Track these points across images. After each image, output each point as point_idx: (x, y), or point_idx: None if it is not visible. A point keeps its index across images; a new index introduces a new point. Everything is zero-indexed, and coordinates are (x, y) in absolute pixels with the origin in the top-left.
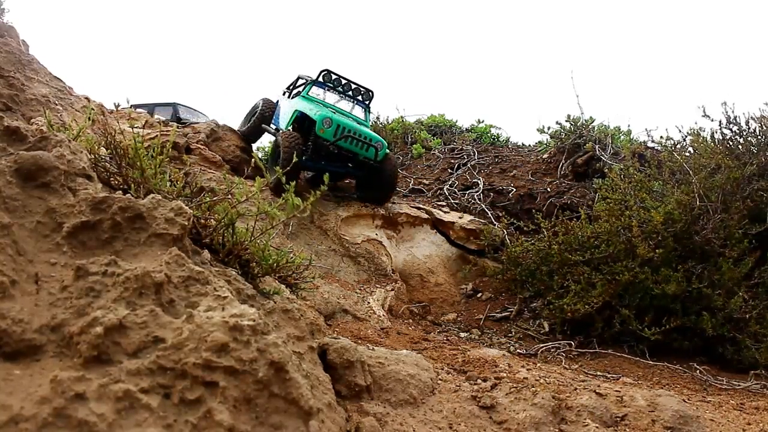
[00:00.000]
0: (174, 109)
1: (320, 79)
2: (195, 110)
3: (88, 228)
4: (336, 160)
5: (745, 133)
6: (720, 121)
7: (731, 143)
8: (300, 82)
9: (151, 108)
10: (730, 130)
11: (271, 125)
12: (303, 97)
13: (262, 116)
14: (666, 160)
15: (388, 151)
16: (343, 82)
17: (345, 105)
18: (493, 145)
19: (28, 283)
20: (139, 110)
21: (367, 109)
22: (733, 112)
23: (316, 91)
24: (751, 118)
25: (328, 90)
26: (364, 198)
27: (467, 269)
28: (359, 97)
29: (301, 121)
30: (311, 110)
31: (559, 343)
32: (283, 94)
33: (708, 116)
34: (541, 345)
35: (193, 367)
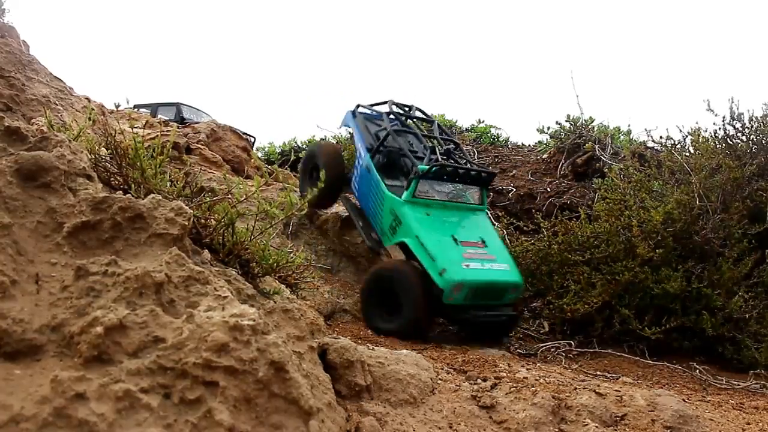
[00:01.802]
0: (177, 109)
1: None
2: (198, 110)
3: (88, 228)
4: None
5: (747, 131)
6: (723, 117)
7: (733, 141)
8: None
9: (154, 108)
10: (733, 126)
11: (353, 187)
12: (412, 206)
13: (333, 172)
14: (666, 160)
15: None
16: (461, 171)
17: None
18: (493, 145)
19: (29, 283)
20: (142, 110)
21: (484, 191)
22: (737, 107)
23: (423, 187)
24: (754, 117)
25: (438, 182)
26: (483, 341)
27: None
28: (474, 182)
29: (407, 250)
30: (425, 255)
31: (559, 343)
32: (353, 117)
33: (712, 110)
34: (542, 345)
35: (194, 367)
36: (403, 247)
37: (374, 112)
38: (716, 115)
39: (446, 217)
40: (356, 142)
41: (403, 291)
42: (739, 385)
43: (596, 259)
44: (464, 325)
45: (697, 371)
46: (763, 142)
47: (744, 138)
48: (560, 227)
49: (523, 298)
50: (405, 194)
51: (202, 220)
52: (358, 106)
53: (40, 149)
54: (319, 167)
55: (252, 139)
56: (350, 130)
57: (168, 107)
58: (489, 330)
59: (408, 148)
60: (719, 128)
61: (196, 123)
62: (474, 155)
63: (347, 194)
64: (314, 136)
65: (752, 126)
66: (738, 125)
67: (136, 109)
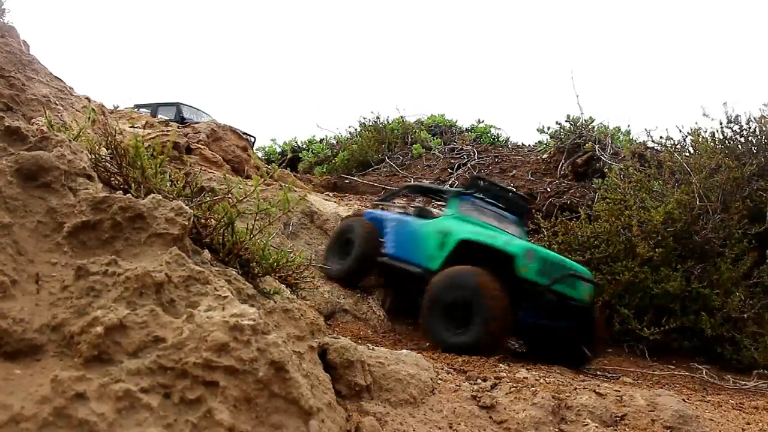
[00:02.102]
0: (177, 109)
1: (467, 188)
2: (198, 110)
3: (88, 228)
4: (553, 311)
5: (745, 133)
6: (720, 121)
7: (731, 143)
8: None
9: (154, 108)
10: (731, 129)
11: (385, 257)
12: (457, 218)
13: (368, 245)
14: (666, 160)
15: None
16: (497, 190)
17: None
18: (493, 145)
19: (29, 282)
20: (142, 110)
21: (521, 224)
22: (733, 111)
23: (464, 207)
24: (752, 119)
25: (476, 202)
26: (553, 360)
27: None
28: (511, 209)
29: (464, 252)
30: (489, 236)
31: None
32: (379, 206)
33: (708, 116)
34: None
35: (194, 367)
36: (460, 251)
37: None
38: (713, 120)
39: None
40: (386, 215)
41: (475, 297)
42: (746, 385)
43: (596, 259)
44: (541, 310)
45: (703, 372)
46: (763, 142)
47: (742, 140)
48: (560, 227)
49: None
50: (448, 212)
51: (202, 220)
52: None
53: (40, 149)
54: (353, 242)
55: (252, 139)
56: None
57: (168, 107)
58: (562, 341)
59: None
60: (717, 131)
61: (196, 123)
62: (474, 155)
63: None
64: (314, 136)
65: (750, 128)
66: (735, 127)
67: (136, 109)
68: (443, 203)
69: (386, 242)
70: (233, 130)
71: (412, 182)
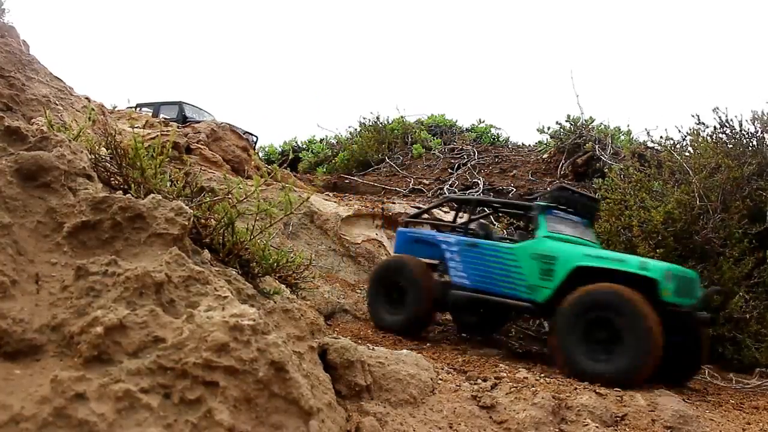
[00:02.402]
0: (179, 108)
1: (551, 200)
2: (201, 109)
3: (88, 228)
4: (674, 327)
5: (738, 135)
6: (714, 126)
7: (728, 145)
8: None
9: (156, 107)
10: (725, 133)
11: (458, 290)
12: (552, 237)
13: (427, 290)
14: (666, 160)
15: None
16: (576, 198)
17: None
18: (493, 145)
19: (29, 283)
20: (144, 109)
21: (591, 226)
22: (726, 115)
23: (551, 223)
24: (746, 120)
25: (557, 213)
26: (656, 379)
27: None
28: (582, 212)
29: (577, 279)
30: (613, 260)
31: None
32: (411, 223)
33: (703, 123)
34: (547, 347)
35: (194, 367)
36: (576, 277)
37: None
38: (707, 126)
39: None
40: (440, 237)
41: (625, 318)
42: (748, 384)
43: None
44: (684, 336)
45: (705, 372)
46: (758, 144)
47: (736, 141)
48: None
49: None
50: (539, 232)
51: (202, 220)
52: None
53: (40, 149)
54: (405, 289)
55: (254, 138)
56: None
57: (170, 106)
58: (674, 357)
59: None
60: (711, 136)
61: (199, 122)
62: (474, 155)
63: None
64: (314, 136)
65: (743, 130)
66: (728, 131)
67: (138, 108)
68: (477, 214)
69: (451, 271)
70: (233, 130)
71: (454, 194)
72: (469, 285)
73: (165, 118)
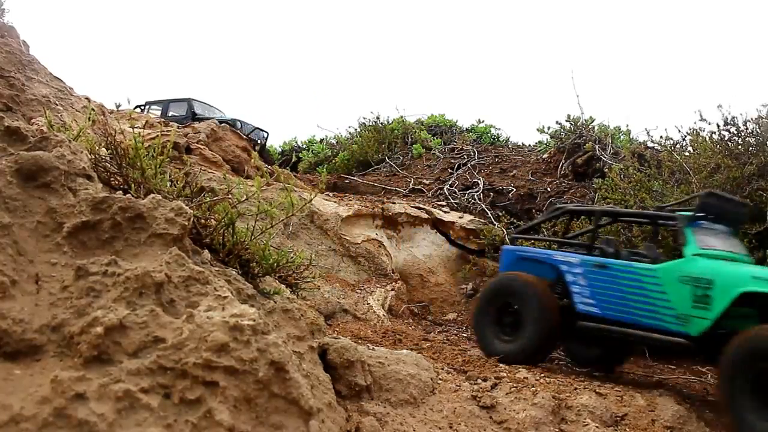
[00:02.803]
0: (188, 105)
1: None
2: (210, 106)
3: (88, 228)
4: None
5: (743, 134)
6: (717, 124)
7: (730, 144)
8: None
9: (165, 104)
10: (728, 131)
11: (585, 320)
12: (704, 255)
13: (549, 316)
14: (666, 160)
15: None
16: (727, 205)
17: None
18: (493, 145)
19: (29, 283)
20: (153, 107)
21: (736, 234)
22: (729, 113)
23: (699, 236)
24: (749, 120)
25: (703, 224)
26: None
27: (467, 269)
28: (730, 219)
29: (740, 305)
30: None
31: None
32: (519, 240)
33: (705, 120)
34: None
35: (194, 367)
36: (737, 305)
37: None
38: (709, 123)
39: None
40: (559, 256)
41: None
42: None
43: None
44: None
45: (711, 375)
46: (761, 142)
47: (740, 140)
48: (560, 227)
49: None
50: (688, 249)
51: (202, 220)
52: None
53: (40, 149)
54: (521, 313)
55: (265, 134)
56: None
57: (179, 103)
58: None
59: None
60: (715, 133)
61: (209, 118)
62: (474, 155)
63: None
64: (314, 136)
65: (747, 129)
66: (732, 129)
67: (147, 106)
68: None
69: (575, 296)
70: (233, 130)
71: (570, 204)
72: (598, 313)
73: (174, 116)
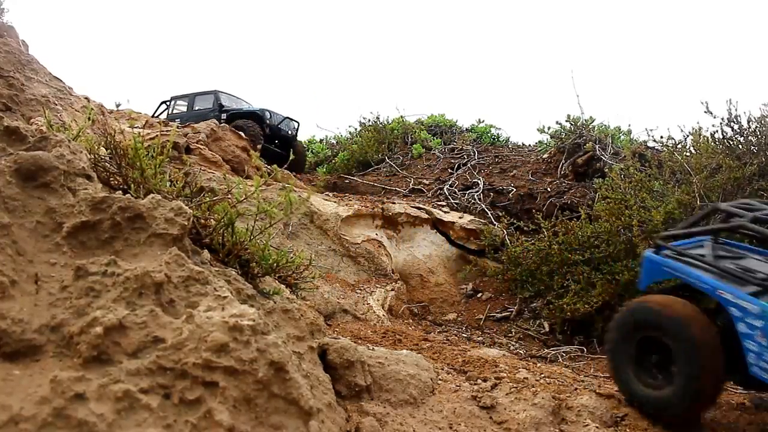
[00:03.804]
0: (215, 97)
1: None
2: (237, 98)
3: (87, 228)
4: None
5: (746, 133)
6: (722, 119)
7: (731, 142)
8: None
9: (191, 98)
10: (731, 128)
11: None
12: None
13: (713, 362)
14: (666, 160)
15: None
16: None
17: None
18: (493, 145)
19: (28, 283)
20: (179, 102)
21: None
22: (735, 109)
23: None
24: (751, 119)
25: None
26: None
27: (467, 269)
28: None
29: None
30: None
31: (570, 348)
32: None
33: (710, 112)
34: (552, 349)
35: (193, 367)
36: None
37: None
38: (714, 116)
39: None
40: (707, 282)
41: None
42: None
43: (596, 259)
44: None
45: None
46: (763, 142)
47: (742, 139)
48: (560, 227)
49: (523, 298)
50: None
51: (202, 220)
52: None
53: (39, 149)
54: (674, 352)
55: (296, 125)
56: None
57: (205, 96)
58: None
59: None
60: (717, 130)
61: (237, 110)
62: (474, 155)
63: None
64: (314, 136)
65: (750, 127)
66: (736, 127)
67: (172, 102)
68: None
69: (749, 354)
70: (233, 130)
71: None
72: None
73: (200, 110)
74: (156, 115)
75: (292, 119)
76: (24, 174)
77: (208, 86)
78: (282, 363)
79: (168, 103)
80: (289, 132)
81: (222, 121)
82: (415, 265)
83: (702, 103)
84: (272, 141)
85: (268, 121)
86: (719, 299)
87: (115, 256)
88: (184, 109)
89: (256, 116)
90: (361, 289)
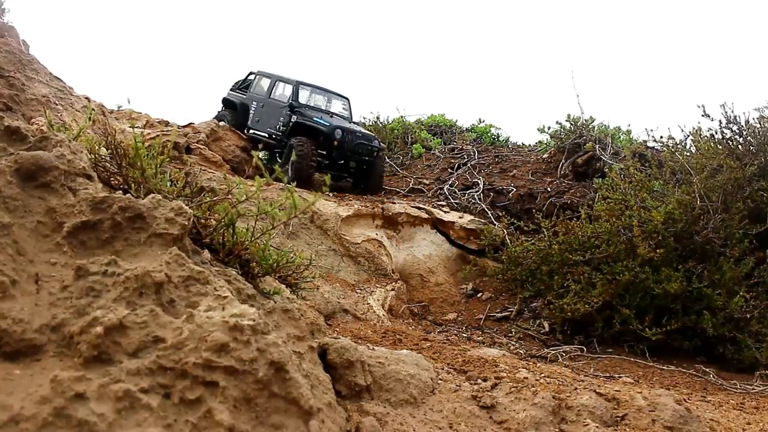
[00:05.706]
0: (294, 91)
1: None
2: (324, 90)
3: (88, 228)
4: None
5: (745, 133)
6: (720, 121)
7: (731, 143)
8: None
9: (273, 81)
10: (730, 129)
11: None
12: None
13: None
14: (667, 160)
15: None
16: None
17: None
18: (493, 144)
19: (29, 283)
20: (264, 80)
21: None
22: (732, 112)
23: None
24: (751, 119)
25: None
26: None
27: (467, 269)
28: None
29: None
30: None
31: (570, 347)
32: None
33: (708, 115)
34: (552, 349)
35: (193, 367)
36: None
37: None
38: (712, 119)
39: None
40: None
41: None
42: (749, 384)
43: (597, 259)
44: None
45: (711, 375)
46: (763, 142)
47: (741, 140)
48: (561, 227)
49: (523, 298)
50: None
51: (202, 220)
52: None
53: (39, 149)
54: None
55: (377, 144)
56: None
57: (285, 85)
58: None
59: None
60: (716, 132)
61: (304, 122)
62: (474, 155)
63: None
64: None
65: (748, 128)
66: (735, 128)
67: (257, 78)
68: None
69: None
70: (233, 130)
71: None
72: None
73: (275, 100)
74: (239, 85)
75: (374, 138)
76: (24, 174)
77: (291, 73)
78: (282, 363)
79: (254, 77)
80: (366, 156)
81: (289, 126)
82: (415, 264)
83: (699, 106)
84: (340, 161)
85: (336, 142)
86: None
87: (116, 255)
88: (264, 91)
89: (322, 134)
90: (361, 289)
